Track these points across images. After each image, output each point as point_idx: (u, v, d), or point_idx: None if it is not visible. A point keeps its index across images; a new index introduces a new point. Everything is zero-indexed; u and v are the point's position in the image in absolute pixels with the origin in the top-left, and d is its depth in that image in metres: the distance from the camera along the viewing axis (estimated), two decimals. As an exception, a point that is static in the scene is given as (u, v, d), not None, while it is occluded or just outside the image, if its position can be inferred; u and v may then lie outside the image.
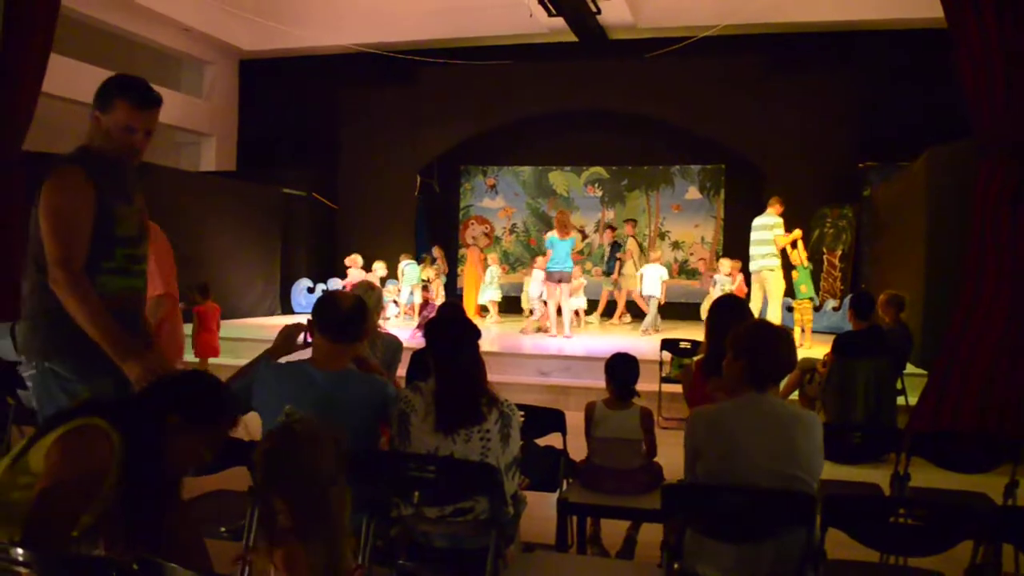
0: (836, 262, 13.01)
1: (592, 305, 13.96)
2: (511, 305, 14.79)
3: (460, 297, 14.09)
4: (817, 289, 12.00)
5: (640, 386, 4.19)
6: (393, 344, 4.58)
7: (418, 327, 11.05)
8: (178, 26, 14.44)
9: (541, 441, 4.18)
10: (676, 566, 2.85)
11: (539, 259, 12.25)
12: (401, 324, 12.88)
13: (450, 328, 3.19)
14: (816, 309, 11.08)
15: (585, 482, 3.96)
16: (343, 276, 13.75)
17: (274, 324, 10.50)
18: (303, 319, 3.26)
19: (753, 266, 10.31)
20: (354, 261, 13.52)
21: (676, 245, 16.10)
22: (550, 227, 12.56)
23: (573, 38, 14.00)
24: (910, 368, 7.58)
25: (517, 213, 17.04)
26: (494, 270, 13.84)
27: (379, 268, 13.25)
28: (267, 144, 15.88)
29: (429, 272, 13.58)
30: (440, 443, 2.99)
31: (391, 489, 3.02)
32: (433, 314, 7.84)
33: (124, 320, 3.00)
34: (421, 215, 16.23)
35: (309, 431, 2.21)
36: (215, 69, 16.06)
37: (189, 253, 11.43)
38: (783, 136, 13.56)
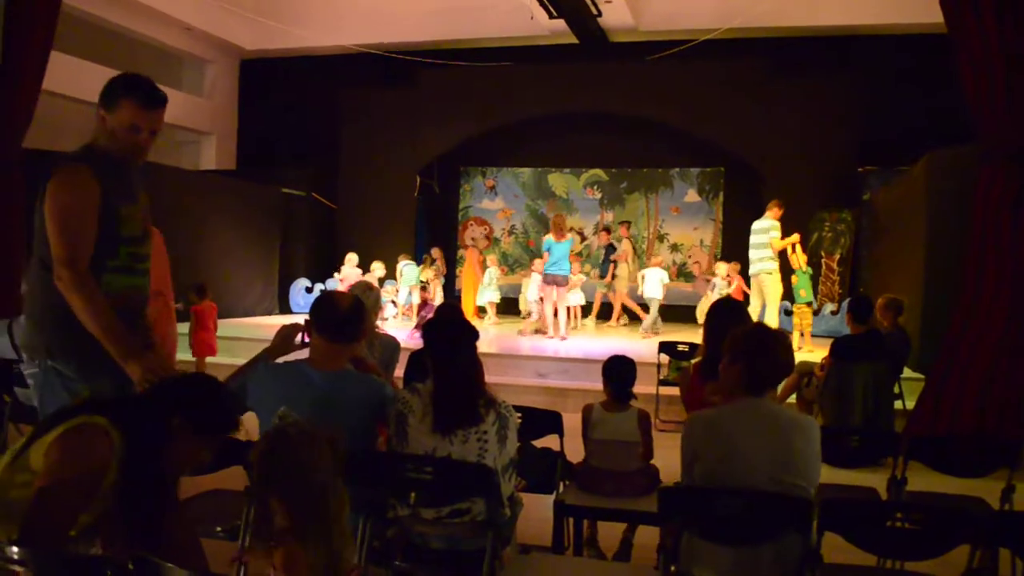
0: (834, 266, 13.01)
1: (587, 308, 13.97)
2: (509, 307, 14.79)
3: (458, 298, 14.09)
4: (815, 293, 12.00)
5: (638, 388, 4.18)
6: (391, 345, 4.57)
7: (416, 328, 11.04)
8: (180, 25, 14.46)
9: (538, 443, 4.18)
10: (673, 569, 2.84)
11: (537, 261, 12.25)
12: (399, 325, 12.87)
13: (448, 329, 3.19)
14: (814, 313, 11.07)
15: (582, 484, 3.95)
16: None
17: (272, 324, 10.49)
18: (301, 319, 3.26)
19: (751, 269, 10.31)
20: (349, 259, 13.49)
21: (675, 248, 16.10)
22: (549, 229, 12.56)
23: (574, 40, 14.02)
24: (908, 372, 7.58)
25: (516, 215, 17.04)
26: (493, 271, 13.85)
27: (377, 269, 13.25)
28: (267, 143, 15.89)
29: (428, 273, 13.59)
30: (437, 444, 2.98)
31: (388, 490, 3.01)
32: (431, 315, 7.84)
33: (127, 319, 3.00)
34: (420, 216, 16.22)
35: (303, 433, 2.21)
36: (216, 68, 16.07)
37: (188, 252, 11.45)
38: (782, 139, 13.56)
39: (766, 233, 10.06)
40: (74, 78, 11.88)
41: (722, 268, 12.72)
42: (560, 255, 10.89)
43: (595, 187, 16.59)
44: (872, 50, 12.96)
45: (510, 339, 11.51)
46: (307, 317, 3.17)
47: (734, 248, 13.77)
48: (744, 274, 11.53)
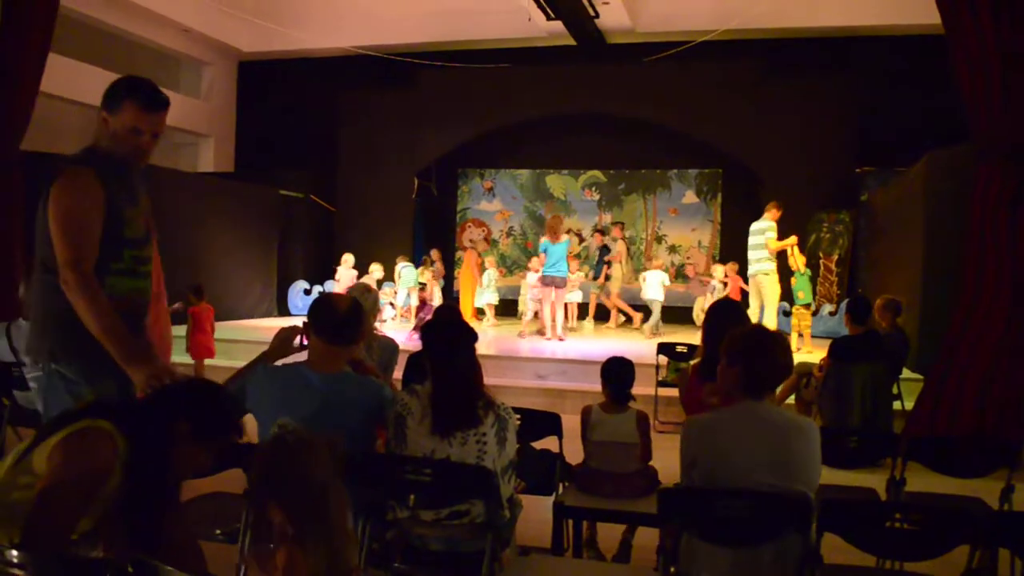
0: (833, 267, 13.02)
1: (583, 308, 13.97)
2: (508, 308, 14.79)
3: (456, 300, 14.08)
4: (814, 294, 12.00)
5: (636, 390, 4.18)
6: (389, 346, 4.57)
7: (415, 329, 11.04)
8: (177, 27, 14.46)
9: (537, 444, 4.18)
10: (672, 570, 2.84)
11: (535, 259, 12.24)
12: (398, 327, 12.87)
13: (447, 331, 3.18)
14: (813, 314, 11.08)
15: (581, 486, 3.95)
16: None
17: (271, 326, 10.50)
18: (300, 321, 3.25)
19: (749, 270, 10.33)
20: (345, 260, 13.49)
21: (673, 249, 16.10)
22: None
23: (571, 42, 14.04)
24: (906, 373, 7.58)
25: (514, 216, 17.04)
26: (492, 273, 13.85)
27: (376, 271, 13.24)
28: (265, 146, 15.90)
29: (426, 275, 13.59)
30: (436, 446, 2.98)
31: (387, 492, 3.01)
32: (430, 317, 7.84)
33: (130, 321, 3.00)
34: (418, 218, 16.22)
35: (302, 440, 2.20)
36: (214, 70, 16.08)
37: (186, 254, 11.45)
38: (780, 140, 13.56)
39: (763, 234, 10.07)
40: (72, 80, 11.89)
41: (719, 271, 12.73)
42: (558, 257, 10.90)
43: (593, 188, 16.60)
44: (869, 51, 12.99)
45: (509, 341, 11.51)
46: (305, 319, 3.17)
47: (732, 249, 13.76)
48: (743, 275, 11.54)
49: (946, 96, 8.20)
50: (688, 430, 2.92)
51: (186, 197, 12.02)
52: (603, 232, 14.44)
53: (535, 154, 16.47)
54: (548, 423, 4.09)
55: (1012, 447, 3.89)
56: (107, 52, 13.49)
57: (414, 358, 4.74)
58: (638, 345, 10.79)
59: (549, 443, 4.08)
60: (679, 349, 7.95)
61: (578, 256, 14.33)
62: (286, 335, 3.31)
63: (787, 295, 10.80)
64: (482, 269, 14.00)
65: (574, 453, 4.08)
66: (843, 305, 10.91)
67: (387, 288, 13.89)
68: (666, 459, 3.70)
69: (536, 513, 3.90)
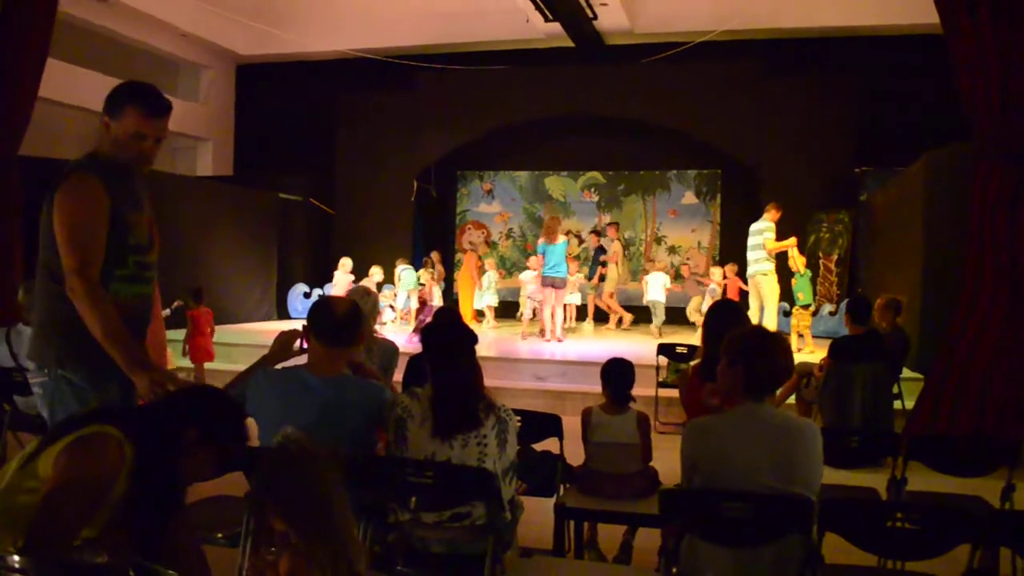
0: (832, 266, 13.02)
1: (582, 310, 13.98)
2: (508, 310, 14.79)
3: (455, 303, 14.09)
4: (814, 294, 12.00)
5: (637, 391, 4.18)
6: (389, 349, 4.57)
7: (415, 332, 11.04)
8: (175, 31, 14.48)
9: (538, 446, 4.18)
10: (674, 571, 2.85)
11: (532, 259, 12.24)
12: (398, 329, 12.87)
13: (447, 333, 3.19)
14: (812, 314, 11.08)
15: (582, 487, 3.95)
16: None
17: (270, 329, 10.50)
18: (299, 324, 3.26)
19: (748, 271, 10.34)
20: (342, 264, 13.49)
21: (673, 250, 16.11)
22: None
23: (570, 43, 14.05)
24: (907, 372, 7.58)
25: (513, 218, 17.05)
26: (491, 275, 13.85)
27: (376, 273, 13.24)
28: (264, 149, 15.91)
29: (424, 275, 13.57)
30: (437, 448, 2.98)
31: (388, 495, 3.01)
32: (430, 319, 7.83)
33: (133, 327, 3.01)
34: (418, 220, 16.22)
35: (305, 451, 2.20)
36: (212, 74, 16.09)
37: (185, 258, 11.46)
38: (779, 141, 13.57)
39: (761, 235, 10.08)
40: (70, 85, 11.91)
41: (716, 273, 12.73)
42: (558, 258, 10.90)
43: (592, 190, 16.61)
44: (868, 50, 12.99)
45: (509, 343, 11.51)
46: (305, 323, 3.18)
47: (732, 250, 13.76)
48: (742, 276, 11.55)
49: (945, 95, 8.20)
50: (688, 433, 2.92)
51: (185, 201, 12.02)
52: (599, 233, 14.45)
53: (534, 156, 16.48)
54: (549, 425, 4.09)
55: (1013, 446, 3.89)
56: (105, 56, 13.50)
57: (414, 360, 4.74)
58: (638, 346, 10.79)
59: (550, 445, 4.08)
60: (679, 350, 7.95)
61: (577, 257, 14.33)
62: (286, 339, 3.31)
63: (787, 296, 10.80)
64: (481, 272, 14.00)
65: (575, 455, 4.08)
66: (843, 305, 10.91)
67: (387, 291, 13.89)
68: (667, 460, 3.70)
69: (537, 515, 3.90)
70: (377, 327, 5.10)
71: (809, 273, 10.66)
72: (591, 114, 14.63)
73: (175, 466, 2.41)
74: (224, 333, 10.73)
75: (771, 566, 2.70)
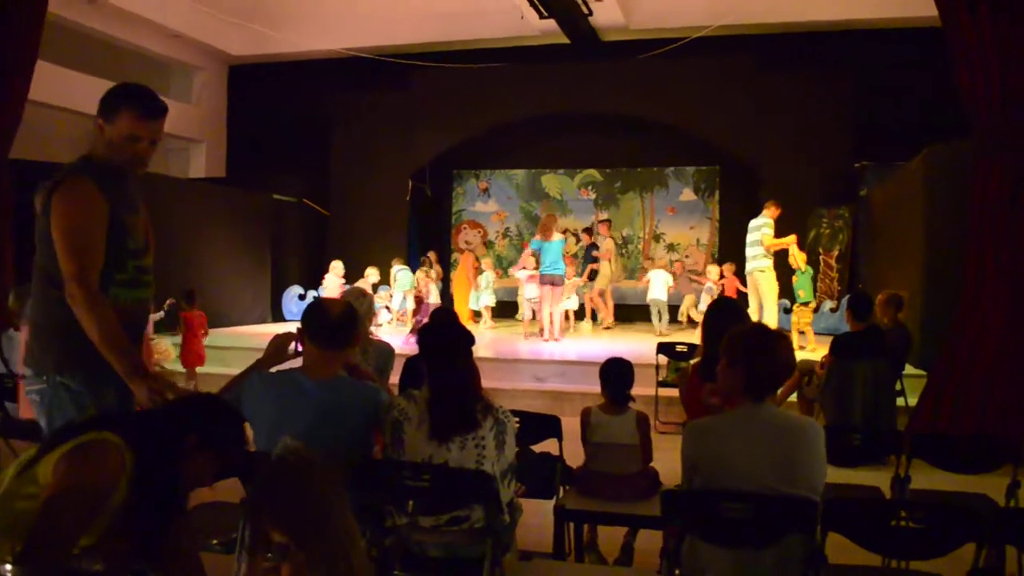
0: (833, 263, 13.02)
1: (579, 311, 13.99)
2: (506, 310, 14.78)
3: (451, 303, 14.07)
4: (814, 290, 12.00)
5: (636, 390, 4.17)
6: (385, 351, 4.56)
7: (411, 333, 11.03)
8: (167, 32, 14.44)
9: (537, 447, 4.17)
10: (676, 573, 2.84)
11: (531, 259, 12.23)
12: (394, 331, 12.86)
13: (443, 333, 3.18)
14: (813, 311, 11.08)
15: (582, 488, 3.95)
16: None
17: (265, 332, 10.48)
18: (294, 327, 3.25)
19: (746, 268, 10.34)
20: (333, 268, 13.40)
21: (671, 248, 16.10)
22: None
23: (565, 40, 14.02)
24: (909, 369, 7.58)
25: (510, 217, 17.04)
26: (488, 275, 13.83)
27: (371, 274, 13.21)
28: (257, 150, 15.86)
29: (420, 274, 13.51)
30: (434, 451, 2.97)
31: (385, 498, 3.01)
32: (426, 319, 7.82)
33: (131, 332, 3.01)
34: (413, 220, 16.21)
35: (304, 461, 2.19)
36: (204, 75, 16.06)
37: (178, 260, 11.43)
38: (778, 136, 13.57)
39: (759, 231, 10.08)
40: (60, 87, 11.87)
41: (713, 271, 12.71)
42: (555, 255, 10.90)
43: (589, 188, 16.60)
44: (866, 44, 12.98)
45: (506, 343, 11.51)
46: (299, 325, 3.17)
47: (731, 247, 13.75)
48: (741, 275, 11.54)
49: (944, 89, 8.21)
50: (688, 434, 2.90)
51: (178, 203, 11.99)
52: (590, 231, 14.40)
53: (530, 154, 16.47)
54: (547, 426, 4.09)
55: (1017, 443, 3.88)
56: (96, 58, 13.47)
57: (411, 362, 4.73)
58: (637, 345, 10.78)
59: (549, 446, 4.07)
60: (679, 349, 7.95)
61: (575, 256, 14.32)
62: (280, 341, 3.31)
63: (787, 293, 10.79)
64: (478, 272, 13.98)
65: (574, 456, 4.08)
66: (844, 301, 10.91)
67: (383, 292, 13.86)
68: (667, 460, 3.70)
69: (536, 517, 3.89)
70: (373, 329, 5.09)
71: (810, 270, 10.66)
72: (587, 111, 14.62)
73: (175, 472, 2.42)
74: (218, 336, 10.72)
75: (774, 567, 2.69)
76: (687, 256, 15.88)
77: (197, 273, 11.95)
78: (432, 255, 14.48)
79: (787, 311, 11.26)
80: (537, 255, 11.19)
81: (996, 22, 6.16)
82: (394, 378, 4.75)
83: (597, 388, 4.19)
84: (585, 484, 3.95)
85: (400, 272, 13.74)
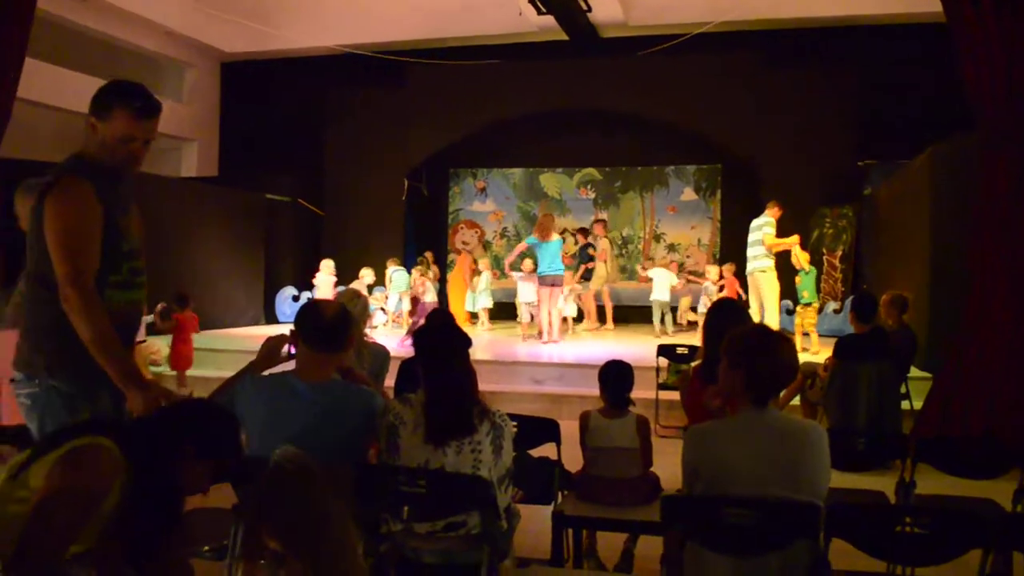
0: (836, 263, 13.02)
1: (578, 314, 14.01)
2: (503, 311, 14.77)
3: (447, 304, 14.06)
4: (818, 291, 12.01)
5: (636, 394, 4.17)
6: (380, 354, 4.56)
7: (407, 335, 11.02)
8: (158, 29, 14.44)
9: (535, 452, 4.17)
10: (677, 580, 2.83)
11: (527, 261, 12.24)
12: (389, 332, 12.85)
13: (440, 336, 3.17)
14: (817, 312, 11.07)
15: (581, 494, 3.94)
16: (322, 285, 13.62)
17: (258, 334, 10.48)
18: (287, 329, 3.24)
19: (747, 268, 10.33)
20: (324, 266, 13.36)
21: (672, 248, 16.10)
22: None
23: (564, 37, 14.03)
24: (914, 371, 7.57)
25: (508, 217, 17.03)
26: (486, 276, 13.81)
27: (367, 275, 13.20)
28: (250, 149, 15.86)
29: (416, 273, 13.47)
30: (430, 456, 2.97)
31: (380, 504, 3.00)
32: (423, 321, 7.80)
33: (124, 334, 3.01)
34: (409, 220, 16.20)
35: (302, 471, 2.19)
36: (196, 72, 16.06)
37: (170, 262, 11.41)
38: (781, 134, 13.57)
39: (761, 230, 10.07)
40: (49, 85, 11.86)
41: (712, 271, 12.71)
42: (553, 256, 10.90)
43: (588, 187, 16.60)
44: (870, 40, 12.99)
45: (504, 345, 11.50)
46: (293, 327, 3.16)
47: (733, 247, 13.75)
48: (740, 275, 11.54)
49: (949, 85, 8.21)
50: (689, 438, 2.89)
51: (169, 203, 11.99)
52: (585, 232, 14.40)
53: (528, 152, 16.47)
54: (545, 430, 4.08)
55: (1024, 447, 3.88)
56: (85, 56, 13.46)
57: (406, 365, 4.73)
58: (637, 347, 10.77)
59: (547, 450, 4.07)
60: (680, 351, 7.93)
61: (574, 256, 14.32)
62: (273, 344, 3.30)
63: (790, 293, 10.79)
64: (475, 273, 13.97)
65: (573, 460, 4.07)
66: (848, 302, 10.90)
67: (378, 293, 13.85)
68: (668, 465, 3.69)
69: (534, 523, 3.89)
70: (368, 331, 5.09)
71: (814, 270, 10.64)
72: (586, 109, 14.62)
73: (172, 480, 2.42)
74: (210, 338, 10.72)
75: (776, 574, 2.68)
76: (688, 256, 15.87)
77: (189, 274, 11.95)
78: (429, 255, 14.47)
79: (790, 312, 11.26)
80: (533, 254, 11.17)
81: (1000, 15, 6.16)
82: (389, 381, 4.75)
83: (596, 391, 4.19)
84: (584, 489, 3.94)
85: (396, 273, 13.73)
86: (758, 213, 10.43)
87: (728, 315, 3.95)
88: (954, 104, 7.52)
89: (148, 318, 8.58)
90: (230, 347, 10.39)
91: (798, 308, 10.51)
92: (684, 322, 13.60)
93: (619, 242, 16.21)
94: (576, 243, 15.14)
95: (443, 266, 16.06)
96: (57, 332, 2.88)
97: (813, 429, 2.83)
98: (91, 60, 13.32)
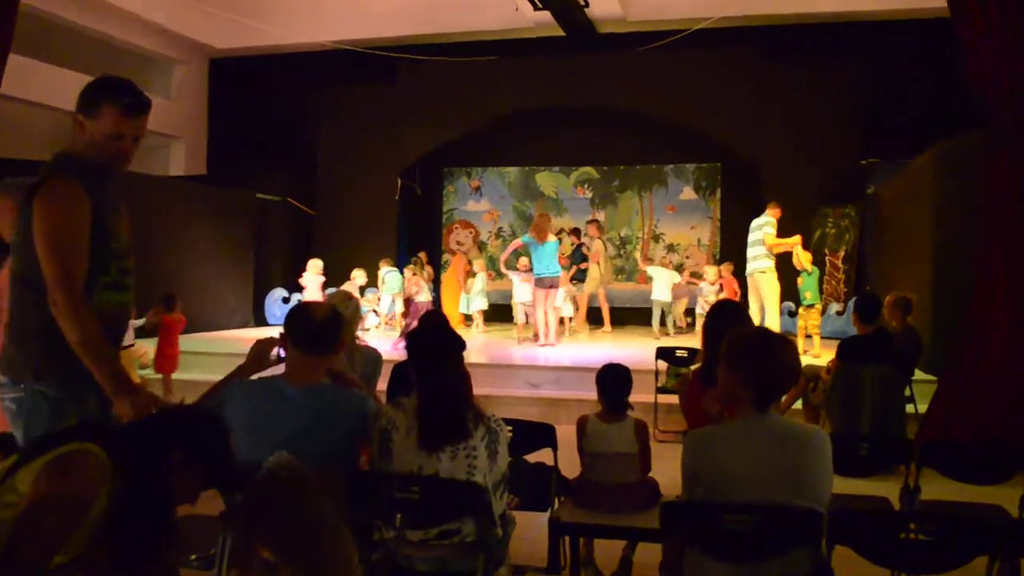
0: (839, 263, 13.03)
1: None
2: (498, 314, 14.76)
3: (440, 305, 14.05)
4: (820, 292, 12.02)
5: (635, 397, 4.17)
6: (372, 357, 4.55)
7: (401, 337, 11.01)
8: (145, 24, 14.41)
9: (531, 457, 4.16)
10: (676, 588, 2.83)
11: (522, 258, 12.24)
12: (382, 335, 12.84)
13: (433, 338, 3.17)
14: (820, 313, 11.08)
15: (578, 500, 3.93)
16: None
17: (247, 337, 10.45)
18: (277, 332, 3.23)
19: (747, 269, 10.33)
20: (312, 266, 13.29)
21: (671, 248, 16.10)
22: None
23: (560, 32, 14.03)
24: (919, 374, 7.58)
25: (503, 216, 17.03)
26: (481, 278, 13.80)
27: (358, 276, 13.18)
28: (239, 147, 15.83)
29: (408, 272, 13.45)
30: (424, 461, 2.96)
31: (372, 511, 2.99)
32: (416, 323, 7.80)
33: (112, 337, 3.01)
34: (402, 220, 16.19)
35: (295, 478, 2.18)
36: (184, 69, 16.03)
37: (157, 263, 11.39)
38: (782, 132, 13.59)
39: (761, 230, 10.08)
40: (34, 81, 11.83)
41: (710, 272, 12.70)
42: (550, 257, 10.91)
43: (586, 186, 16.60)
44: (872, 37, 13.00)
45: (499, 348, 11.50)
46: (282, 330, 3.15)
47: (733, 247, 13.74)
48: (739, 274, 11.54)
49: (953, 82, 8.23)
50: (689, 443, 2.88)
51: (156, 202, 11.96)
52: (578, 232, 14.39)
53: (524, 151, 16.48)
54: (542, 434, 4.08)
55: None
56: (70, 51, 13.43)
57: (399, 369, 4.72)
58: (636, 350, 10.77)
59: (543, 456, 4.06)
60: (679, 354, 7.93)
61: (569, 256, 14.32)
62: (262, 347, 3.30)
63: (791, 295, 10.79)
64: (469, 275, 13.96)
65: (570, 466, 4.07)
66: (851, 304, 10.91)
67: (370, 295, 13.84)
68: (667, 470, 3.69)
69: (530, 530, 3.88)
70: (359, 333, 5.08)
71: (816, 271, 10.64)
72: (584, 106, 14.62)
73: (163, 489, 2.41)
74: (198, 341, 10.71)
75: (779, 581, 2.68)
76: (688, 257, 15.88)
77: (176, 275, 11.93)
78: (422, 256, 14.46)
79: (792, 314, 11.26)
80: (528, 253, 11.18)
81: (1004, 7, 6.17)
82: (381, 385, 4.74)
83: (593, 395, 4.18)
84: (581, 495, 3.94)
85: (388, 274, 13.71)
86: (759, 212, 10.44)
87: (728, 317, 3.94)
88: (957, 101, 7.54)
89: (139, 322, 8.57)
90: (218, 350, 10.38)
91: (800, 310, 10.51)
92: (683, 324, 13.61)
93: (617, 242, 16.22)
94: (572, 244, 15.17)
95: (437, 267, 16.06)
96: (45, 336, 2.87)
97: (815, 434, 2.82)
98: (77, 56, 13.28)
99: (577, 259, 13.57)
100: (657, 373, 7.92)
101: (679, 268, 15.66)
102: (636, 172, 16.34)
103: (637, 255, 14.08)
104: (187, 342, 9.63)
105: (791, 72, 13.57)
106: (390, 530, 2.99)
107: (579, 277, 13.40)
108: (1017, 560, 2.87)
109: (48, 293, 2.83)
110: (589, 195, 16.57)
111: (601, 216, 16.06)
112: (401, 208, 16.01)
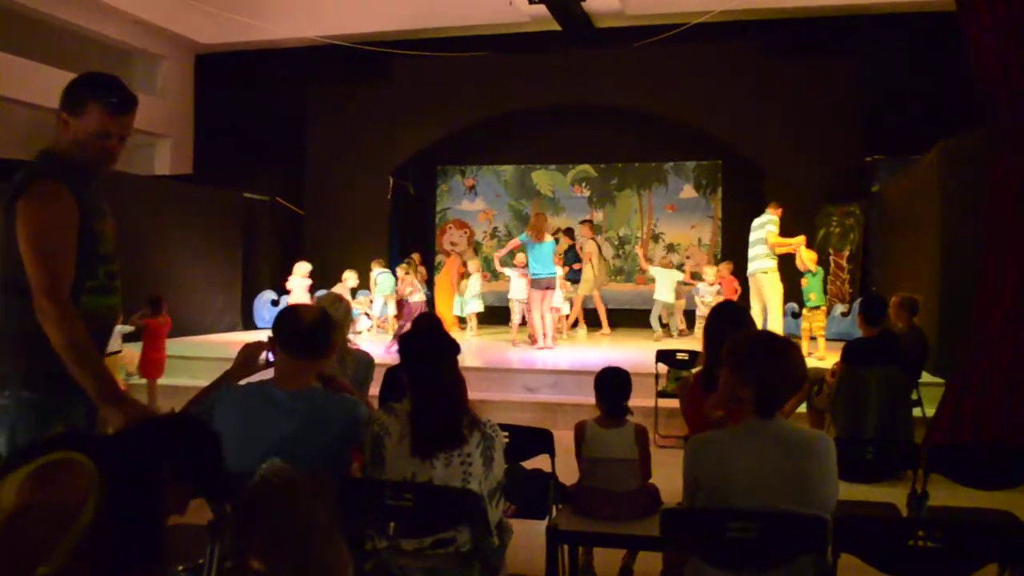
0: (844, 263, 13.04)
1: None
2: (493, 316, 14.75)
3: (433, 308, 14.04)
4: (824, 293, 12.02)
5: (634, 402, 4.16)
6: (364, 360, 4.54)
7: (394, 339, 11.00)
8: (129, 18, 14.39)
9: (528, 464, 4.16)
10: (678, 597, 2.82)
11: (519, 255, 12.23)
12: (374, 338, 12.82)
13: (427, 341, 3.16)
14: (825, 315, 11.08)
15: (576, 507, 3.93)
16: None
17: (235, 340, 10.44)
18: (266, 335, 3.22)
19: (748, 269, 10.33)
20: (297, 269, 13.24)
21: (671, 248, 16.11)
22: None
23: (556, 27, 14.03)
24: (926, 376, 7.59)
25: (498, 216, 17.03)
26: (476, 279, 13.79)
27: (350, 278, 13.16)
28: (227, 145, 15.80)
29: (400, 272, 13.42)
30: (417, 469, 2.95)
31: (364, 520, 2.98)
32: (409, 325, 7.79)
33: (99, 340, 3.00)
34: (395, 220, 16.18)
35: (288, 486, 2.18)
36: (169, 65, 16.01)
37: (142, 265, 11.37)
38: (784, 129, 13.61)
39: (763, 228, 10.07)
40: (15, 78, 11.81)
41: (709, 272, 12.69)
42: (547, 258, 10.91)
43: (583, 184, 16.60)
44: (877, 31, 13.02)
45: (495, 351, 11.49)
46: (271, 333, 3.15)
47: (735, 247, 13.76)
48: (739, 274, 11.54)
49: (959, 78, 8.24)
50: (690, 449, 2.88)
51: (141, 203, 11.92)
52: (571, 233, 14.37)
53: (520, 149, 16.48)
54: (539, 440, 4.07)
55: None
56: (53, 47, 13.40)
57: (392, 373, 4.72)
58: (635, 353, 10.76)
59: (540, 462, 4.05)
60: (680, 357, 7.91)
61: (563, 256, 14.32)
62: (251, 351, 3.29)
63: (795, 295, 10.78)
64: (464, 276, 13.95)
65: (568, 472, 4.06)
66: (856, 305, 10.92)
67: (362, 297, 13.83)
68: (668, 477, 3.68)
69: (528, 539, 3.87)
70: (351, 336, 5.07)
71: (821, 271, 10.62)
72: (581, 102, 14.63)
73: (151, 498, 2.40)
74: (185, 345, 10.69)
75: (783, 591, 2.68)
76: (688, 257, 15.88)
77: (163, 278, 11.91)
78: (416, 257, 14.44)
79: (795, 316, 11.26)
80: (525, 253, 11.18)
81: (1011, 2, 6.18)
82: (374, 390, 4.74)
83: (592, 399, 4.18)
84: (580, 502, 3.93)
85: (381, 276, 13.70)
86: (761, 211, 10.44)
87: (730, 319, 3.94)
88: (964, 97, 7.55)
89: (128, 328, 8.56)
90: (205, 354, 10.36)
91: (805, 311, 10.50)
92: (683, 327, 13.60)
93: (616, 242, 16.23)
94: (566, 244, 15.18)
95: (431, 268, 16.04)
96: (31, 342, 2.85)
97: (820, 439, 2.82)
98: (58, 51, 13.26)
99: (571, 260, 13.55)
100: (657, 376, 7.92)
101: (679, 268, 15.68)
102: (635, 170, 16.34)
103: (639, 251, 14.06)
104: (174, 346, 9.62)
105: (793, 67, 13.59)
106: (383, 539, 2.98)
107: (573, 277, 13.38)
108: (1028, 568, 2.87)
109: (34, 298, 2.83)
110: (587, 194, 16.57)
111: (599, 215, 16.07)
112: (393, 208, 16.01)
